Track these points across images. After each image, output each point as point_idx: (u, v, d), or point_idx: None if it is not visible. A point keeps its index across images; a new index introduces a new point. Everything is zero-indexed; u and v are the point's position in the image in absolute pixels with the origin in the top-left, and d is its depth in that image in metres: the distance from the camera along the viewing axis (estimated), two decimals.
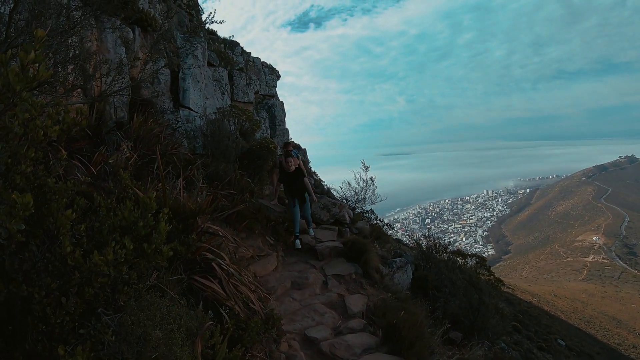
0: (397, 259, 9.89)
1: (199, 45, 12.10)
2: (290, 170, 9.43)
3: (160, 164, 5.27)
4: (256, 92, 18.90)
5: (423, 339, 5.86)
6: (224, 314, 3.91)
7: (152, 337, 2.47)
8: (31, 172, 2.36)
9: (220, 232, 5.02)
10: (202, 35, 13.59)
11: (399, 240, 17.65)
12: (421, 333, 5.92)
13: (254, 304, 4.39)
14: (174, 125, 10.19)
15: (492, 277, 14.27)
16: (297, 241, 9.17)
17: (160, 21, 9.95)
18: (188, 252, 4.04)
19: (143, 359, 2.51)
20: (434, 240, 12.34)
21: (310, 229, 9.93)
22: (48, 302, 2.31)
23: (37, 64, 2.08)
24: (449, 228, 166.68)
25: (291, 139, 20.66)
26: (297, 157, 10.38)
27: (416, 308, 7.08)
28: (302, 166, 10.44)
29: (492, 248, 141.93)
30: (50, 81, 4.33)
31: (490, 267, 15.80)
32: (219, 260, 4.42)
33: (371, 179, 13.19)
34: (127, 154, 6.42)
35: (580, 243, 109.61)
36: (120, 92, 6.61)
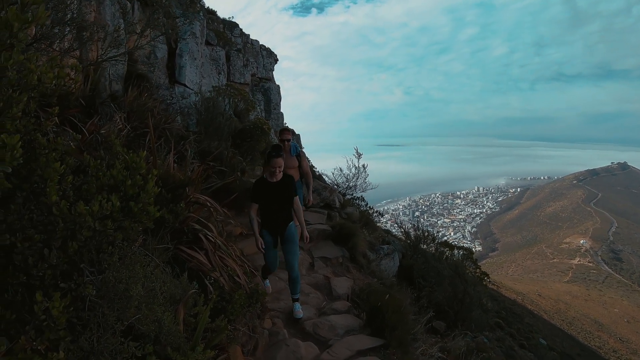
0: (385, 246, 9.93)
1: (197, 22, 12.03)
2: (277, 179, 5.44)
3: (152, 135, 5.23)
4: (253, 74, 18.86)
5: (406, 323, 5.88)
6: (209, 284, 3.90)
7: (134, 294, 2.46)
8: (21, 123, 2.34)
9: (208, 203, 5.00)
10: (200, 13, 13.52)
11: (388, 231, 17.69)
12: (404, 318, 5.93)
13: (239, 278, 4.38)
14: (168, 101, 10.16)
15: (478, 270, 14.34)
16: (266, 282, 6.21)
17: None
18: (176, 220, 4.02)
19: (124, 318, 2.50)
20: (423, 231, 12.39)
21: (297, 304, 5.84)
22: (30, 252, 2.30)
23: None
24: (438, 222, 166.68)
25: (285, 123, 20.49)
26: (298, 153, 7.39)
27: (401, 294, 7.12)
28: (306, 169, 7.46)
29: (480, 244, 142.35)
30: (47, 35, 4.30)
31: (476, 260, 15.86)
32: (206, 231, 4.40)
33: (363, 166, 13.18)
34: (120, 126, 6.39)
35: (567, 245, 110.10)
36: (116, 58, 6.56)
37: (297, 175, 7.30)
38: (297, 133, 22.47)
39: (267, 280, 6.27)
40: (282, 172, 5.50)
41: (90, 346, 2.34)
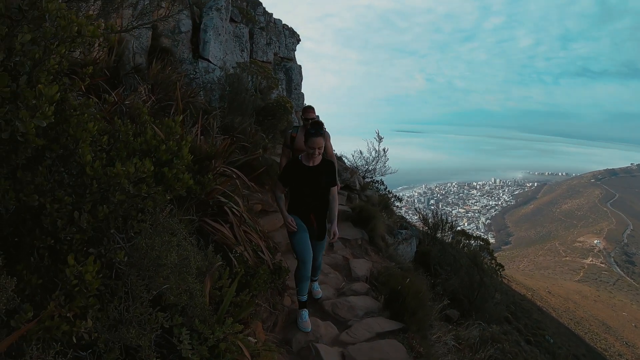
0: (403, 231, 9.90)
1: None
2: (314, 163, 4.70)
3: (180, 105, 5.19)
4: (275, 54, 18.82)
5: (424, 308, 5.85)
6: (233, 258, 3.86)
7: (167, 262, 2.39)
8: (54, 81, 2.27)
9: (234, 175, 4.94)
10: None
11: (402, 217, 17.66)
12: (424, 303, 5.90)
13: (263, 253, 4.34)
14: (191, 75, 10.14)
15: (493, 261, 14.20)
16: (304, 314, 4.88)
17: None
18: (202, 192, 3.96)
19: (153, 287, 2.44)
20: (441, 217, 12.33)
21: (315, 284, 5.75)
22: (59, 215, 2.23)
23: None
24: (453, 211, 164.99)
25: (306, 104, 20.38)
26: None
27: (418, 279, 7.08)
28: (330, 151, 6.65)
29: (493, 237, 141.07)
30: None
31: (493, 251, 15.71)
32: (231, 204, 4.36)
33: (384, 150, 13.12)
34: (144, 97, 6.36)
35: (580, 244, 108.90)
36: (145, 26, 6.53)
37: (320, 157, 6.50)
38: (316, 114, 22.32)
39: (305, 313, 4.93)
40: (321, 155, 4.71)
41: (119, 315, 2.28)
